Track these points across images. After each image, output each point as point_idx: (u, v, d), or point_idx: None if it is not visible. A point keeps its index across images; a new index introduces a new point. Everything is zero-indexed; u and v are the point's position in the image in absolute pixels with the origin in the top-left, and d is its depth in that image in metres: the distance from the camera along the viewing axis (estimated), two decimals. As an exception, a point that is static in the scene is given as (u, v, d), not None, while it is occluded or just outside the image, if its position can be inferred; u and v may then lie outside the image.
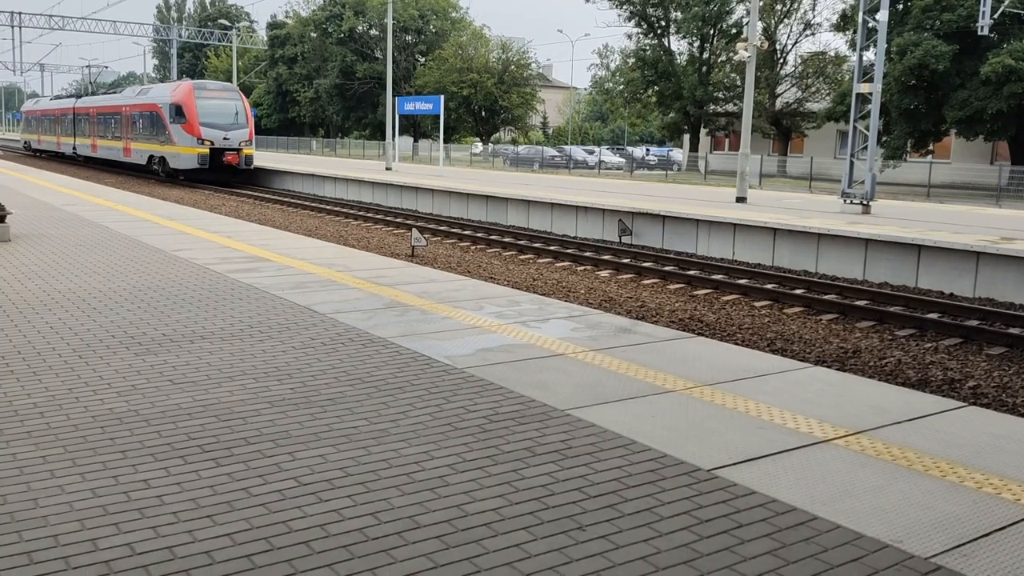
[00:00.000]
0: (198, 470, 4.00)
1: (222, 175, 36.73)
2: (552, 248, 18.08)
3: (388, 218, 22.66)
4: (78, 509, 3.55)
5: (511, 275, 14.88)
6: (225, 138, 35.79)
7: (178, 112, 36.03)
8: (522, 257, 17.09)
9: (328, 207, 25.22)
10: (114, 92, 51.74)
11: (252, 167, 37.16)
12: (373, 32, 69.35)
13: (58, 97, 64.60)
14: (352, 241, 18.75)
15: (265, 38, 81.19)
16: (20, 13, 63.27)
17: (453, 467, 4.12)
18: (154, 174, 39.44)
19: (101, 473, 3.94)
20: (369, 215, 23.04)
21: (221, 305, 7.76)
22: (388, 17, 41.80)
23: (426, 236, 18.09)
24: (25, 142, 66.25)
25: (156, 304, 7.71)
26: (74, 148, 51.17)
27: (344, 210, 24.07)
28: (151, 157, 39.08)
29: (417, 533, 3.43)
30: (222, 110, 36.60)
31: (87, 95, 55.13)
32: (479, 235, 19.75)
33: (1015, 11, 31.24)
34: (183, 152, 35.91)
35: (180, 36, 75.46)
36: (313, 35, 70.50)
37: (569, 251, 17.42)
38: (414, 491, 3.83)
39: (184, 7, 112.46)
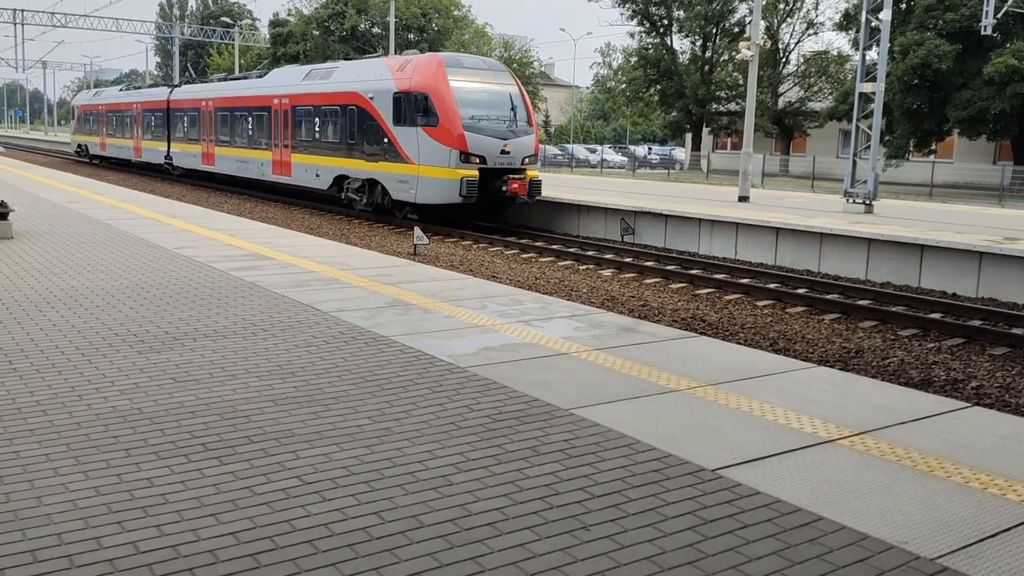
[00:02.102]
0: (202, 468, 4.00)
1: (492, 213, 21.64)
2: (554, 247, 18.06)
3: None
4: (81, 507, 3.55)
5: (513, 274, 14.87)
6: (504, 150, 20.05)
7: (415, 106, 20.30)
8: (524, 256, 17.07)
9: (328, 207, 25.21)
10: (245, 77, 32.52)
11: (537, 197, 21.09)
12: (375, 30, 69.31)
13: (129, 86, 49.52)
14: (354, 239, 18.75)
15: (267, 36, 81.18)
16: (23, 11, 63.26)
17: (457, 466, 4.11)
18: (341, 205, 24.04)
19: (104, 471, 3.93)
20: (371, 216, 23.02)
21: (224, 303, 7.75)
22: (391, 15, 41.75)
23: (428, 235, 18.08)
24: (79, 146, 50.86)
25: (159, 302, 7.70)
26: (168, 157, 36.40)
27: (345, 210, 24.04)
28: (342, 179, 23.35)
29: (421, 532, 3.42)
30: (493, 102, 20.83)
31: (189, 82, 40.43)
32: (481, 234, 19.73)
33: (1018, 11, 31.19)
34: (428, 175, 19.98)
35: (182, 34, 75.44)
36: (315, 33, 70.46)
37: (571, 250, 17.40)
38: (418, 490, 3.82)
39: (186, 5, 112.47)
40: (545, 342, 6.62)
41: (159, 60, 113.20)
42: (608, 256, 16.84)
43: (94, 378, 5.35)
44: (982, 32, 28.23)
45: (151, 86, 46.37)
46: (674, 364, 6.09)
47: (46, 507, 3.54)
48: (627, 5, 52.07)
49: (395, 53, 45.33)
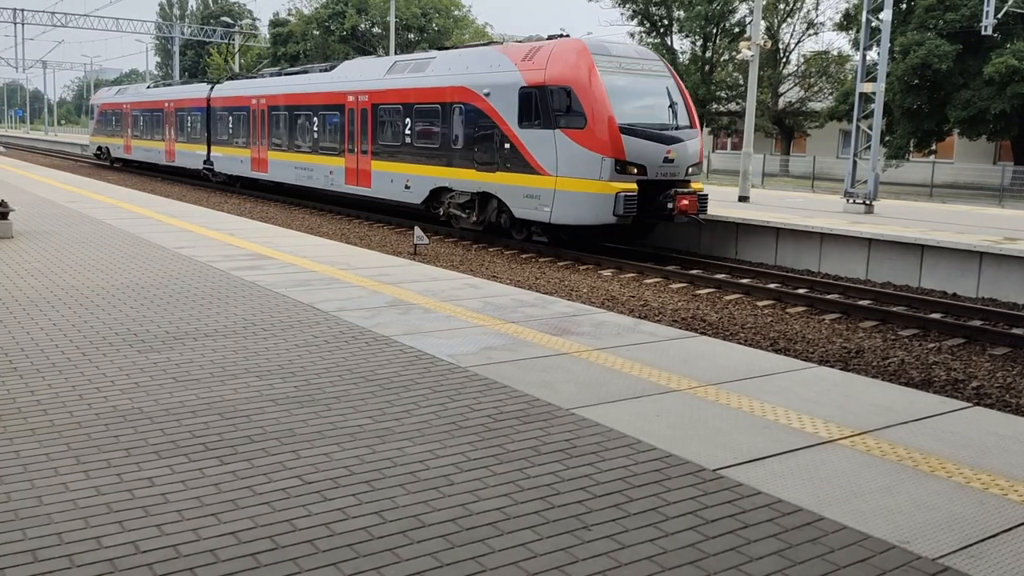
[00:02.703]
0: (202, 468, 4.00)
1: (636, 235, 17.85)
2: (554, 247, 18.04)
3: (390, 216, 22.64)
4: (82, 507, 3.55)
5: (513, 274, 14.87)
6: (667, 158, 16.12)
7: (553, 104, 16.17)
8: (524, 256, 17.06)
9: (328, 206, 25.18)
10: (305, 71, 27.32)
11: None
12: (376, 30, 69.32)
13: (158, 82, 45.91)
14: (354, 239, 18.74)
15: (267, 36, 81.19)
16: (23, 10, 63.23)
17: (458, 466, 4.11)
18: (436, 222, 20.01)
19: (105, 471, 3.93)
20: (372, 215, 23.02)
21: (224, 303, 7.75)
22: (391, 15, 41.76)
23: (428, 234, 18.07)
24: (99, 148, 46.26)
25: (159, 301, 7.70)
26: (208, 163, 32.11)
27: (346, 209, 24.04)
28: (441, 192, 19.34)
29: (422, 532, 3.42)
30: (650, 97, 16.93)
31: (233, 77, 34.67)
32: (481, 233, 19.71)
33: (1018, 11, 31.19)
34: (570, 188, 16.01)
35: (182, 34, 75.40)
36: (316, 33, 70.46)
37: (571, 250, 17.39)
38: (419, 490, 3.82)
39: (186, 5, 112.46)
40: (545, 341, 6.62)
41: (159, 60, 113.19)
42: (608, 256, 16.82)
43: (95, 377, 5.35)
44: (982, 32, 28.23)
45: (184, 82, 40.74)
46: (675, 364, 6.08)
47: (46, 506, 3.54)
48: (627, 5, 52.05)
49: (395, 53, 44.90)
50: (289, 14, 76.85)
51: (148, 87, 41.51)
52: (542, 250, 17.20)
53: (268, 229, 14.00)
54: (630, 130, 15.75)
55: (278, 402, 4.98)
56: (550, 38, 18.03)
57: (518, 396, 5.22)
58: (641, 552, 3.31)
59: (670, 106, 16.78)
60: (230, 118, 30.21)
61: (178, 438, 4.37)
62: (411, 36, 68.24)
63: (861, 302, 12.61)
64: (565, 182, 16.03)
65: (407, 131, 20.34)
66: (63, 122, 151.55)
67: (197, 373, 5.51)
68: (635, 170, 15.75)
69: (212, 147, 31.86)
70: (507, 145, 17.13)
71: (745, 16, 48.69)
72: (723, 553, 3.32)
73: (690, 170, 16.63)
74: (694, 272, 15.12)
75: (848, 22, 41.57)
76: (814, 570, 3.21)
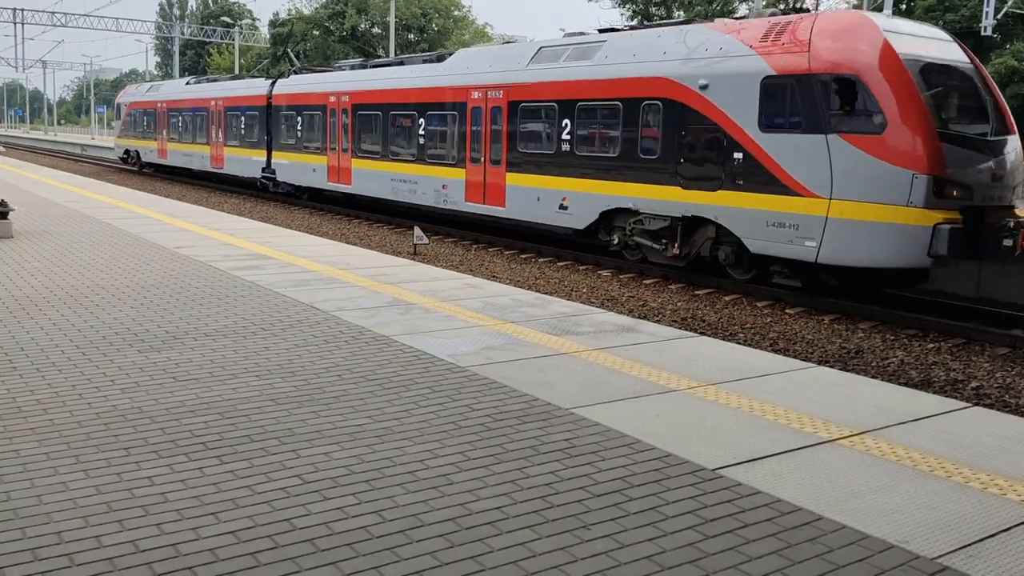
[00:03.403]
0: (202, 467, 4.00)
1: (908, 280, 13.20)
2: (554, 247, 18.04)
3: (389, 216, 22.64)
4: (82, 506, 3.55)
5: (513, 274, 14.87)
6: (996, 175, 11.80)
7: (825, 99, 11.91)
8: (523, 256, 17.07)
9: (329, 206, 25.18)
10: (401, 63, 23.03)
11: None
12: (376, 30, 69.35)
13: (199, 78, 39.53)
14: (354, 239, 18.74)
15: (267, 35, 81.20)
16: (23, 10, 63.28)
17: (457, 465, 4.11)
18: (598, 251, 16.29)
19: (105, 470, 3.93)
20: (372, 215, 23.00)
21: (224, 302, 7.75)
22: (391, 15, 41.77)
23: (427, 234, 18.07)
24: (125, 151, 40.98)
25: (159, 301, 7.70)
26: (268, 170, 27.38)
27: (345, 209, 24.02)
28: (622, 217, 15.21)
29: (422, 531, 3.42)
30: (962, 92, 12.59)
31: (298, 71, 29.61)
32: (481, 233, 19.71)
33: (1018, 11, 31.22)
34: (856, 217, 11.66)
35: (182, 34, 75.46)
36: (315, 33, 70.48)
37: (571, 250, 17.39)
38: (418, 489, 3.82)
39: (186, 5, 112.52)
40: (545, 341, 6.63)
41: (159, 60, 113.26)
42: (607, 256, 16.82)
43: (94, 377, 5.35)
44: (982, 33, 28.27)
45: (232, 78, 35.68)
46: (674, 364, 6.09)
47: (46, 506, 3.54)
48: (627, 5, 52.08)
49: (395, 54, 44.52)
50: (289, 14, 76.87)
51: (188, 83, 35.86)
52: (542, 250, 17.20)
53: (268, 229, 14.01)
54: (948, 136, 11.45)
55: (278, 401, 4.99)
56: (790, 11, 14.57)
57: (518, 396, 5.23)
58: (640, 551, 3.31)
59: (984, 104, 12.40)
60: (298, 119, 25.15)
61: (178, 437, 4.37)
62: (411, 36, 68.28)
63: (860, 302, 12.62)
64: (846, 207, 11.60)
65: (564, 135, 15.80)
66: (63, 122, 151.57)
67: (197, 373, 5.52)
68: (957, 192, 11.32)
69: (273, 152, 26.87)
70: (738, 155, 12.84)
71: (745, 16, 48.67)
72: (722, 552, 3.32)
73: (1017, 190, 12.42)
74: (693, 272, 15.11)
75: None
76: (813, 569, 3.21)
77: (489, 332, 6.90)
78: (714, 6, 48.49)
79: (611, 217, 15.23)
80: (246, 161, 28.84)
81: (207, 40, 77.27)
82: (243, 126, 29.06)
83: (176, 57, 72.61)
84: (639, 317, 11.27)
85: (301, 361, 5.87)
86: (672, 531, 3.49)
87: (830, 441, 4.60)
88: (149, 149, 37.73)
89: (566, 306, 8.19)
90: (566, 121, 15.95)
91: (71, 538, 3.27)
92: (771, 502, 3.79)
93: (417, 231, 17.03)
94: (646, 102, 14.36)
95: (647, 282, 14.39)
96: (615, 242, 15.34)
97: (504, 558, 3.22)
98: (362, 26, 69.16)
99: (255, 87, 29.09)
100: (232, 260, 10.24)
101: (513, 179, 17.33)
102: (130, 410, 4.76)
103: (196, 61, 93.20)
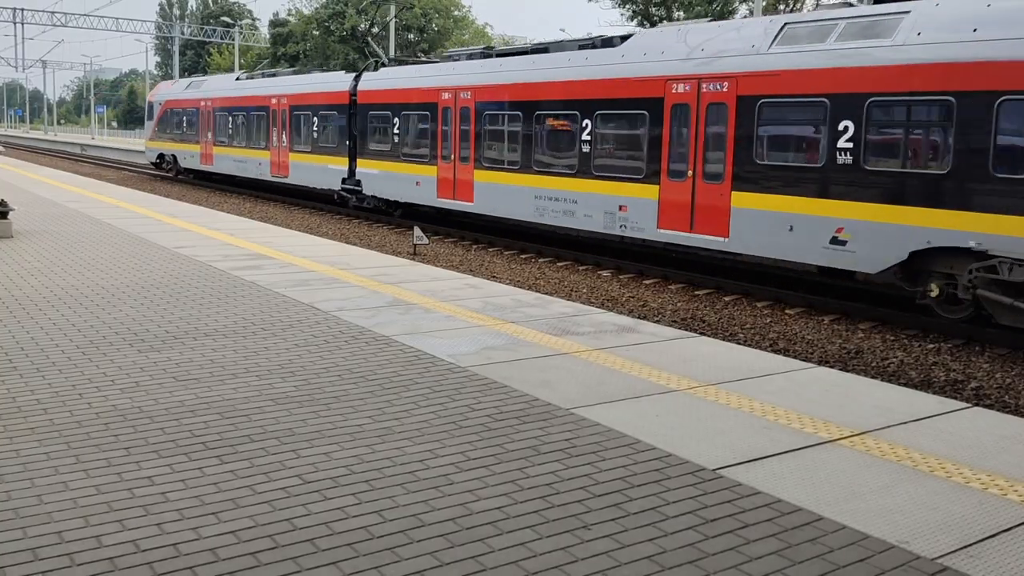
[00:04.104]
0: (202, 467, 4.00)
1: None
2: (554, 247, 18.04)
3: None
4: (82, 506, 3.55)
5: (513, 274, 14.88)
6: None
7: None
8: (523, 256, 17.07)
9: (329, 206, 25.15)
10: (544, 49, 17.74)
11: None
12: (375, 30, 69.39)
13: (251, 73, 33.90)
14: (354, 239, 18.74)
15: (267, 35, 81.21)
16: (23, 10, 63.28)
17: (457, 465, 4.11)
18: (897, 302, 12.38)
19: (105, 470, 3.93)
20: (371, 215, 22.97)
21: (224, 302, 7.75)
22: (391, 15, 41.78)
23: (427, 234, 18.07)
24: (159, 156, 36.10)
25: (159, 301, 7.70)
26: (352, 181, 22.77)
27: (344, 209, 23.98)
28: (951, 261, 10.69)
29: (422, 531, 3.42)
30: None
31: (394, 62, 24.95)
32: (480, 233, 19.71)
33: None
34: None
35: (182, 34, 75.46)
36: (315, 33, 70.49)
37: (571, 250, 17.39)
38: (419, 489, 3.82)
39: (186, 4, 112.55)
40: (545, 341, 6.63)
41: (159, 60, 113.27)
42: (607, 256, 16.83)
43: (95, 377, 5.35)
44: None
45: (295, 72, 30.73)
46: (674, 364, 6.09)
47: (46, 505, 3.54)
48: (627, 6, 52.11)
49: (395, 54, 44.08)
50: (289, 14, 76.87)
51: (239, 78, 31.11)
52: (542, 250, 17.20)
53: (268, 229, 14.00)
54: None
55: (278, 401, 4.99)
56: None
57: (518, 396, 5.23)
58: (640, 551, 3.31)
59: None
60: (395, 120, 20.90)
61: (178, 437, 4.37)
62: (411, 36, 68.31)
63: (860, 303, 12.61)
64: None
65: (844, 141, 11.61)
66: (63, 122, 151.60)
67: (197, 372, 5.52)
68: None
69: (358, 160, 22.42)
70: None
71: (745, 16, 48.74)
72: (722, 553, 3.32)
73: None
74: (693, 272, 15.11)
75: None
76: (813, 570, 3.21)
77: (489, 332, 6.90)
78: (714, 6, 48.52)
79: (927, 258, 10.94)
80: (319, 170, 24.06)
81: (207, 40, 77.27)
82: (316, 128, 24.28)
83: (176, 57, 72.58)
84: (639, 317, 11.27)
85: (301, 361, 5.87)
86: (672, 531, 3.49)
87: (830, 441, 4.60)
88: (189, 153, 32.96)
89: (566, 306, 8.19)
90: (846, 123, 11.60)
91: (71, 538, 3.27)
92: (771, 502, 3.79)
93: (417, 231, 17.03)
94: (1001, 99, 9.97)
95: (647, 282, 14.39)
96: (933, 294, 10.95)
97: (504, 558, 3.22)
98: (362, 26, 69.20)
99: (334, 82, 24.34)
100: (232, 260, 10.24)
101: (746, 201, 12.80)
102: (130, 410, 4.76)
103: (196, 61, 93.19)
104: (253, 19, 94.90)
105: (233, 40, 67.64)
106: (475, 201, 18.46)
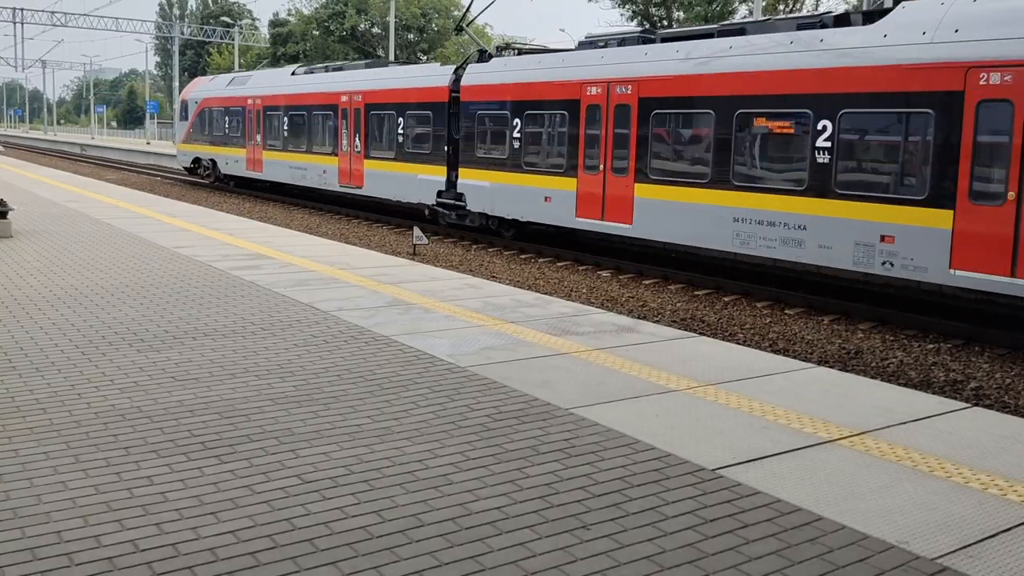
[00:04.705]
0: (201, 467, 3.99)
1: None
2: (553, 247, 18.04)
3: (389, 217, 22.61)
4: (81, 505, 3.55)
5: (512, 274, 14.87)
6: None
7: None
8: (523, 256, 17.06)
9: (328, 206, 25.16)
10: (741, 31, 13.64)
11: None
12: (375, 30, 69.38)
13: (310, 66, 29.50)
14: (353, 239, 18.74)
15: (267, 35, 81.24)
16: (22, 9, 63.28)
17: (457, 465, 4.11)
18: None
19: (104, 469, 3.93)
20: (371, 215, 22.96)
21: (223, 302, 7.75)
22: (391, 15, 41.79)
23: (427, 235, 18.06)
24: (194, 160, 32.39)
25: (158, 301, 7.70)
26: (450, 192, 19.18)
27: (345, 209, 23.96)
28: None
29: (421, 531, 3.42)
30: None
31: (487, 53, 19.54)
32: (480, 233, 19.72)
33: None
34: None
35: (182, 33, 75.45)
36: (315, 33, 70.50)
37: (570, 250, 17.39)
38: (418, 489, 3.82)
39: (186, 4, 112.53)
40: (545, 341, 6.62)
41: (159, 60, 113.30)
42: (607, 256, 16.83)
43: (93, 376, 5.35)
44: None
45: (369, 65, 25.37)
46: (674, 364, 6.09)
47: (45, 505, 3.54)
48: (627, 6, 52.14)
49: (394, 54, 43.62)
50: (289, 14, 76.88)
51: (294, 73, 27.24)
52: (542, 250, 17.20)
53: (267, 229, 14.00)
54: None
55: (277, 401, 4.98)
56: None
57: (517, 396, 5.22)
58: (640, 551, 3.31)
59: None
60: (516, 121, 17.09)
61: (177, 437, 4.37)
62: (411, 36, 68.33)
63: (859, 303, 12.61)
64: None
65: None
66: (62, 122, 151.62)
67: (196, 372, 5.51)
68: None
69: (460, 170, 18.69)
70: None
71: (745, 17, 48.75)
72: (722, 553, 3.32)
73: None
74: (693, 272, 15.11)
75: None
76: (813, 570, 3.21)
77: (489, 332, 6.89)
78: (714, 6, 48.54)
79: None
80: (405, 181, 20.28)
81: (207, 40, 77.28)
82: (403, 131, 20.48)
83: (176, 57, 72.57)
84: (639, 317, 11.27)
85: (300, 361, 5.86)
86: (672, 531, 3.49)
87: (830, 441, 4.60)
88: (233, 158, 29.00)
89: (566, 306, 8.19)
90: None
91: (70, 537, 3.27)
92: (771, 502, 3.79)
93: (416, 231, 17.02)
94: None
95: (647, 282, 14.38)
96: None
97: (504, 558, 3.22)
98: (362, 26, 69.19)
99: (428, 76, 20.28)
100: (231, 260, 10.23)
101: None
102: (129, 410, 4.76)
103: (196, 61, 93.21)
104: (253, 19, 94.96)
105: (233, 40, 67.63)
106: (635, 222, 14.61)
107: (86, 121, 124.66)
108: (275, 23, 78.00)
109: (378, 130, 21.54)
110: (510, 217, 17.55)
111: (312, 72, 26.30)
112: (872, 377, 8.89)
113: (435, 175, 19.47)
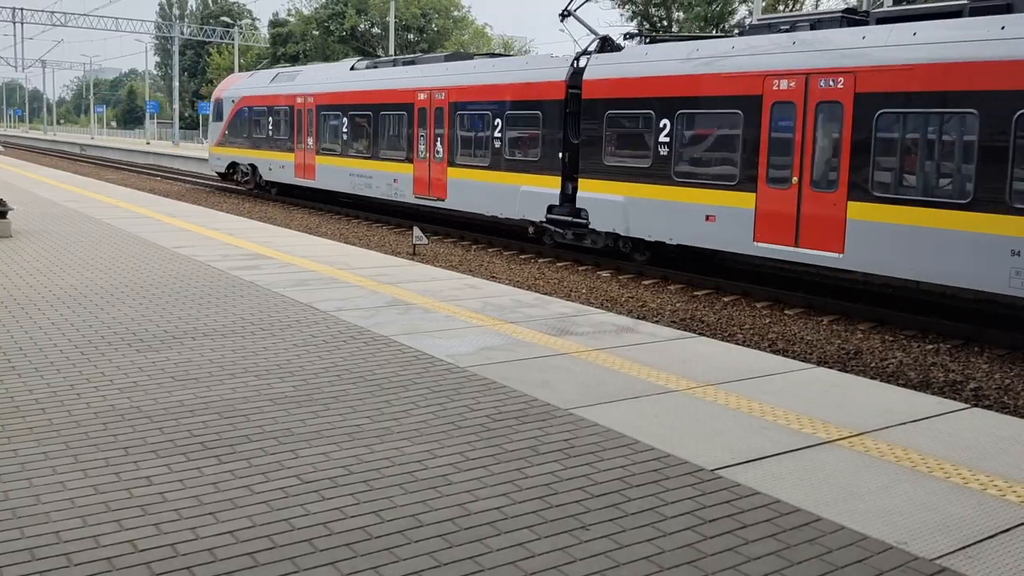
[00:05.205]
0: (200, 467, 3.99)
1: None
2: (554, 248, 18.05)
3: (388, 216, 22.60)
4: (80, 505, 3.54)
5: (512, 274, 14.87)
6: None
7: None
8: (523, 256, 17.06)
9: (328, 206, 25.14)
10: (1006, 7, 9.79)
11: None
12: (375, 31, 69.39)
13: (377, 60, 25.63)
14: (353, 239, 18.74)
15: (267, 35, 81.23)
16: (22, 9, 63.26)
17: (456, 466, 4.11)
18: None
19: (103, 469, 3.93)
20: (371, 215, 22.94)
21: (223, 302, 7.75)
22: (391, 15, 41.79)
23: (427, 235, 18.06)
24: (231, 165, 29.00)
25: (158, 301, 7.70)
26: (565, 206, 16.07)
27: (345, 209, 23.93)
28: None
29: (420, 532, 3.42)
30: None
31: (605, 43, 16.03)
32: (480, 234, 19.73)
33: (1019, 13, 31.12)
34: None
35: (182, 33, 75.44)
36: (315, 33, 70.50)
37: (570, 250, 17.40)
38: (417, 489, 3.82)
39: (186, 4, 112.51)
40: (544, 341, 6.62)
41: (159, 60, 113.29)
42: (607, 256, 16.83)
43: (93, 376, 5.35)
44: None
45: (450, 57, 21.02)
46: (673, 364, 6.09)
47: (44, 505, 3.54)
48: (627, 6, 52.14)
49: (394, 53, 43.51)
50: (289, 14, 76.88)
51: (354, 67, 23.93)
52: (541, 251, 17.19)
53: (267, 229, 14.00)
54: None
55: (276, 401, 4.98)
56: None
57: (517, 396, 5.22)
58: (639, 552, 3.31)
59: None
60: (663, 123, 14.06)
61: (176, 437, 4.37)
62: (411, 36, 68.33)
63: (859, 303, 12.61)
64: None
65: None
66: (62, 122, 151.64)
67: (195, 372, 5.51)
68: None
69: (581, 180, 15.62)
70: None
71: (744, 17, 48.73)
72: (721, 553, 3.32)
73: None
74: (692, 273, 15.12)
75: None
76: (812, 570, 3.21)
77: (488, 332, 6.89)
78: (714, 7, 48.54)
79: None
80: (505, 193, 17.22)
81: (207, 40, 77.27)
82: (499, 134, 17.39)
83: (175, 57, 72.57)
84: (638, 318, 11.27)
85: (300, 361, 5.86)
86: (671, 531, 3.49)
87: (829, 442, 4.60)
88: (278, 164, 25.96)
89: (565, 306, 8.19)
90: None
91: (69, 538, 3.27)
92: (770, 503, 3.79)
93: (416, 231, 17.01)
94: None
95: (646, 283, 14.38)
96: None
97: (503, 558, 3.22)
98: (362, 26, 69.19)
99: (536, 69, 17.02)
100: (231, 260, 10.23)
101: None
102: (128, 410, 4.76)
103: (196, 61, 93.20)
104: (253, 19, 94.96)
105: (233, 40, 67.62)
106: (848, 251, 11.61)
107: (86, 121, 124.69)
108: (275, 23, 77.99)
109: (466, 133, 18.47)
110: (653, 239, 14.38)
111: (376, 67, 23.17)
112: (871, 378, 8.89)
113: (544, 186, 16.35)
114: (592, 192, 15.39)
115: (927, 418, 5.06)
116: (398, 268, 10.21)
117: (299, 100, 24.85)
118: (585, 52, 16.03)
